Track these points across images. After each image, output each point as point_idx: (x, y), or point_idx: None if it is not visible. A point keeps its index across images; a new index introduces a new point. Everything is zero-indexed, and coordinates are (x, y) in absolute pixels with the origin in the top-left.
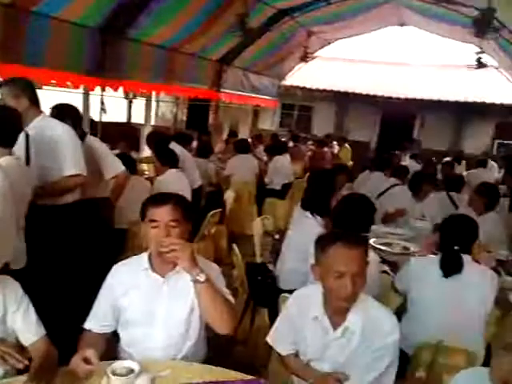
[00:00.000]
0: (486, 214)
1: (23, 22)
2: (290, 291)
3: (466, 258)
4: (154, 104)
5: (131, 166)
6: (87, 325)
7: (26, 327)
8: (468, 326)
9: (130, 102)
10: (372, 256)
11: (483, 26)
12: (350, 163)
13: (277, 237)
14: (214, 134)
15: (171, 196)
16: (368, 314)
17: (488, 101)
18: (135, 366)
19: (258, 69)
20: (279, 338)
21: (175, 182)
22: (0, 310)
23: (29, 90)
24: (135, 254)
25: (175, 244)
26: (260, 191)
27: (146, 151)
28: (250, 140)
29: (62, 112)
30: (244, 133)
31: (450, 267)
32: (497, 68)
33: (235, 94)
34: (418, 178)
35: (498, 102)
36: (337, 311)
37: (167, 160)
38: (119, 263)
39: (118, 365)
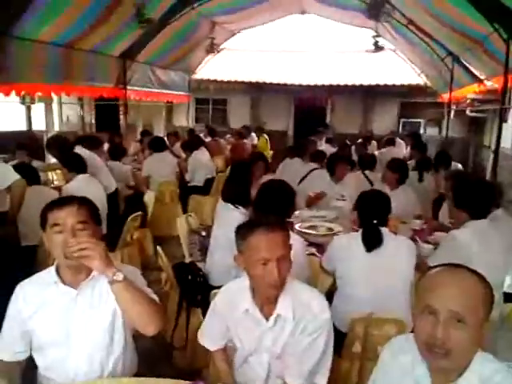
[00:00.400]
0: (398, 188)
1: None
2: (220, 287)
3: (384, 230)
4: (55, 108)
5: (33, 175)
6: None
7: None
8: (394, 295)
9: (29, 108)
10: (297, 239)
11: (376, 9)
12: (270, 152)
13: (203, 234)
14: (126, 134)
15: (73, 197)
16: (297, 298)
17: (390, 82)
18: None
19: (165, 63)
20: (207, 334)
21: (85, 188)
22: None
23: None
24: None
25: (83, 243)
26: (182, 189)
27: (52, 159)
28: (165, 137)
29: None
30: (159, 131)
31: (371, 241)
32: (394, 50)
33: (143, 91)
34: (333, 160)
35: (398, 83)
36: (266, 300)
37: (73, 166)
38: (22, 282)
39: None
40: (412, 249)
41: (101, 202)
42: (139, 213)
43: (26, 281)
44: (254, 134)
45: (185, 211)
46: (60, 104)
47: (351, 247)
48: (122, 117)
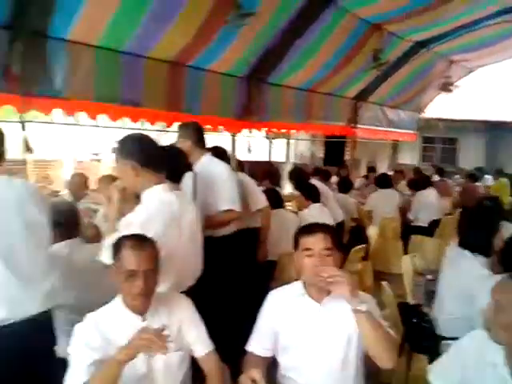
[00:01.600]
0: None
1: (183, 75)
2: (452, 338)
3: None
4: (292, 142)
5: (278, 199)
6: (249, 347)
7: (198, 340)
8: None
9: (271, 142)
10: None
11: None
12: (510, 198)
13: (429, 277)
14: (351, 169)
15: (322, 225)
16: None
17: None
18: None
19: (394, 103)
20: (443, 375)
21: (318, 216)
22: (176, 323)
23: (194, 134)
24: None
25: (336, 275)
26: (404, 228)
27: (287, 188)
28: (391, 174)
29: (215, 153)
30: (382, 168)
31: None
32: None
33: (372, 129)
34: None
35: None
36: None
37: (310, 194)
38: (274, 291)
39: None
40: None
41: None
42: (364, 245)
43: (276, 290)
44: (488, 176)
45: (405, 250)
46: (296, 140)
47: None
48: (347, 153)
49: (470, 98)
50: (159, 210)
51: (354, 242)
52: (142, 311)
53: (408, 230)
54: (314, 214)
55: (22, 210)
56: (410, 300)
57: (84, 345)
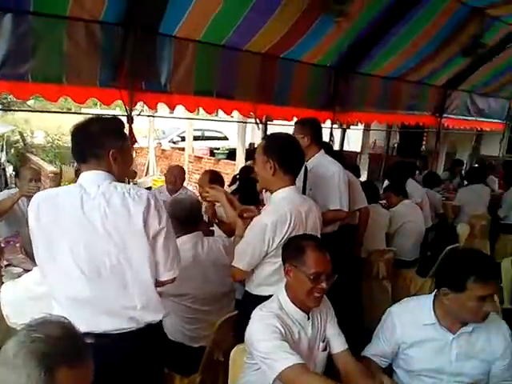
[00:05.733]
0: None
1: (274, 67)
2: None
3: None
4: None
5: (376, 194)
6: (367, 353)
7: (337, 336)
8: None
9: (344, 131)
10: None
11: None
12: None
13: None
14: (431, 161)
15: (494, 269)
16: None
17: None
18: None
19: (486, 91)
20: None
21: (410, 212)
22: (324, 321)
23: (312, 130)
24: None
25: None
26: (493, 225)
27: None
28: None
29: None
30: (463, 159)
31: None
32: None
33: (458, 119)
34: None
35: None
36: None
37: (401, 190)
38: (397, 309)
39: None
40: None
41: (421, 227)
42: (457, 244)
43: (402, 309)
44: None
45: (492, 249)
46: (368, 130)
47: None
48: (424, 143)
49: None
50: (290, 211)
51: (440, 240)
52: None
53: (496, 227)
54: (406, 210)
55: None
56: (507, 305)
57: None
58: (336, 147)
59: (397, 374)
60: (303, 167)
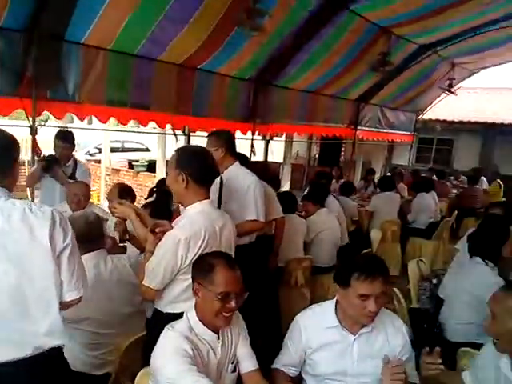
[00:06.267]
0: None
1: (192, 78)
2: (462, 344)
3: None
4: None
5: (293, 204)
6: (277, 365)
7: (247, 356)
8: None
9: (267, 143)
10: None
11: None
12: (502, 200)
13: (435, 281)
14: (348, 170)
15: (380, 268)
16: None
17: None
18: None
19: (395, 105)
20: None
21: (327, 220)
22: (235, 340)
23: (226, 142)
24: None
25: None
26: (402, 230)
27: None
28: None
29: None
30: (377, 168)
31: None
32: None
33: (371, 131)
34: None
35: None
36: None
37: (319, 199)
38: (303, 316)
39: None
40: None
41: (337, 234)
42: (369, 249)
43: (306, 316)
44: (484, 179)
45: (403, 252)
46: (291, 141)
47: None
48: (343, 153)
49: (469, 99)
50: (205, 227)
51: (354, 245)
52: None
53: (406, 231)
54: (323, 219)
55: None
56: (415, 304)
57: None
58: (260, 158)
59: (305, 381)
60: (218, 179)
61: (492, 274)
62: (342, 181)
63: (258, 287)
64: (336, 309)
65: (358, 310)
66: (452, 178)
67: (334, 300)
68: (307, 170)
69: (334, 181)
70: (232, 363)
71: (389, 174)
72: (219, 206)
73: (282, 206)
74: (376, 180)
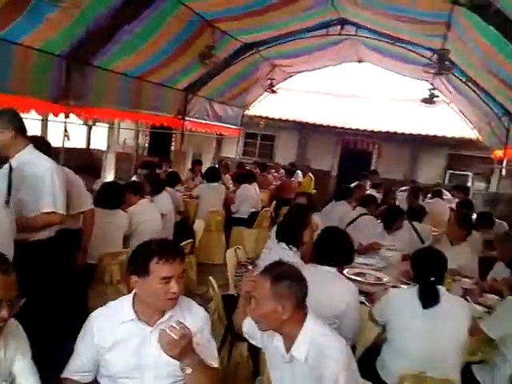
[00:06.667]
0: (462, 243)
1: None
2: None
3: (441, 289)
4: (115, 131)
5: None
6: (66, 374)
7: (25, 374)
8: (446, 354)
9: (90, 129)
10: (353, 291)
11: (438, 65)
12: (313, 192)
13: (250, 267)
14: (176, 161)
15: (176, 247)
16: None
17: (440, 133)
18: None
19: (223, 99)
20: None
21: (148, 211)
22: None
23: (15, 122)
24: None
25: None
26: (227, 219)
27: (109, 178)
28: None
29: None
30: (207, 160)
31: (428, 298)
32: (448, 103)
33: (200, 123)
34: (393, 213)
35: (449, 135)
36: None
37: (138, 190)
38: (97, 313)
39: None
40: (467, 310)
41: (158, 225)
42: (190, 240)
43: (100, 313)
44: (299, 172)
45: (227, 241)
46: (118, 128)
47: (407, 302)
48: (173, 144)
49: (289, 99)
50: None
51: (179, 236)
52: None
53: (230, 221)
54: (142, 209)
55: None
56: (232, 290)
57: None
58: (82, 145)
59: None
60: (7, 165)
61: (292, 257)
62: (167, 170)
63: (61, 287)
64: (133, 302)
65: (160, 295)
66: (273, 170)
67: (132, 294)
68: (136, 159)
69: (161, 171)
70: (5, 382)
71: (216, 165)
72: (9, 196)
73: (104, 199)
74: (203, 171)
